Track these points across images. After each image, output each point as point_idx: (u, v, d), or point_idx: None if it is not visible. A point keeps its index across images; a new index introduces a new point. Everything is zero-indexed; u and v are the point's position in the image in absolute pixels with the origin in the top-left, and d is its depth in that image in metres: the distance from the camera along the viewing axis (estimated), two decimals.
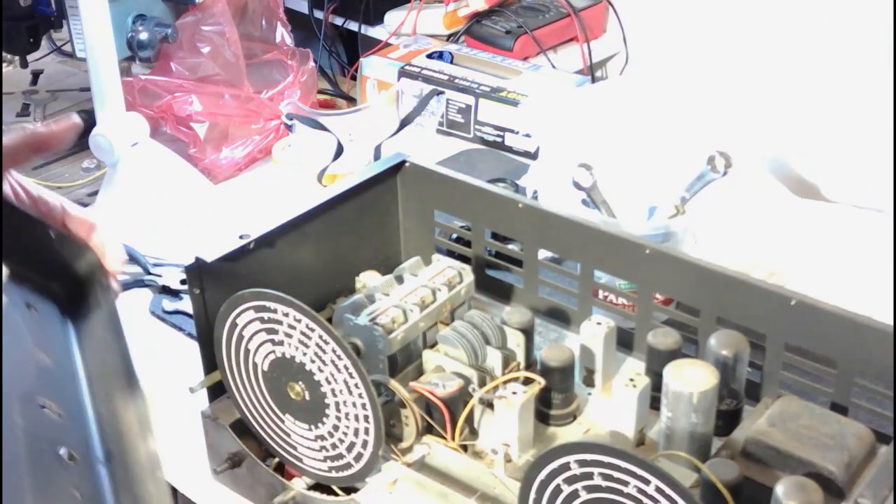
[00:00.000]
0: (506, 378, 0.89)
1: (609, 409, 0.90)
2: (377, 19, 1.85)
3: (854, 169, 1.60)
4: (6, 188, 0.61)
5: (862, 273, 1.10)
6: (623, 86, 1.42)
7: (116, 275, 0.63)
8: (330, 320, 0.96)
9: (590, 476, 0.73)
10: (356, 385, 0.83)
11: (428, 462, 0.88)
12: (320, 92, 1.73)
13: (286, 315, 0.85)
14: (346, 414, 0.85)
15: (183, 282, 1.22)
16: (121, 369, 0.60)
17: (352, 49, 1.95)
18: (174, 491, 1.06)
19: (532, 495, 0.76)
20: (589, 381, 0.97)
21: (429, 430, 0.88)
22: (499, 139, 1.54)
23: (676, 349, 0.92)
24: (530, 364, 0.95)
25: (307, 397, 0.87)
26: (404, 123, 1.48)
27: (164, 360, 1.13)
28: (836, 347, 0.87)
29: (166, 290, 1.23)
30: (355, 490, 0.88)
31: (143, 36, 1.46)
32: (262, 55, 1.67)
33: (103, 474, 0.57)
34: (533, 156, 1.38)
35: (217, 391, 0.95)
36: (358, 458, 0.86)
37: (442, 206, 1.11)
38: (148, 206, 1.35)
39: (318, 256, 1.04)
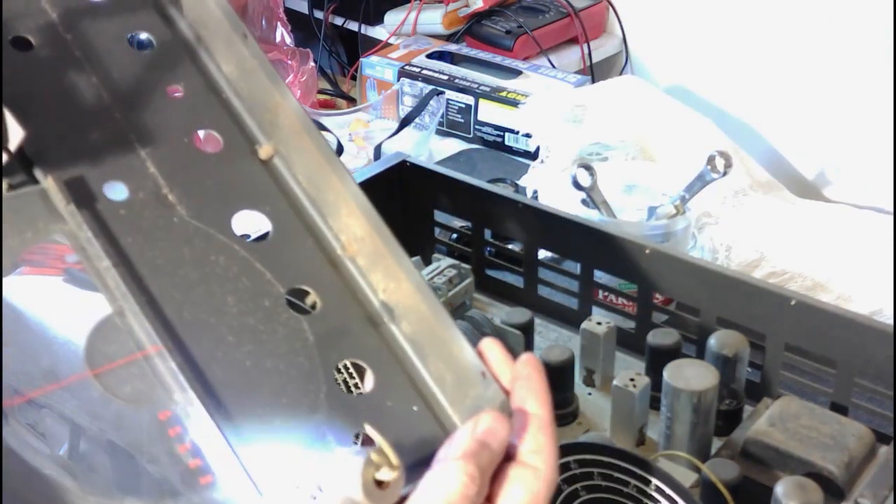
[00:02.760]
0: None
1: (609, 409, 0.90)
2: (377, 19, 1.85)
3: (854, 169, 1.60)
4: None
5: (862, 273, 1.10)
6: (623, 86, 1.41)
7: None
8: None
9: (590, 476, 0.73)
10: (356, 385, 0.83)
11: None
12: (320, 92, 1.73)
13: None
14: None
15: None
16: None
17: (352, 49, 1.95)
18: None
19: None
20: (589, 381, 0.97)
21: None
22: (499, 139, 1.54)
23: (676, 349, 0.92)
24: None
25: None
26: (404, 123, 1.48)
27: None
28: (836, 347, 0.87)
29: None
30: None
31: (144, 36, 1.45)
32: None
33: None
34: (533, 156, 1.38)
35: None
36: None
37: (442, 206, 1.11)
38: None
39: None
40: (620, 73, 1.88)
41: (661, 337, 0.93)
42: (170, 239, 0.46)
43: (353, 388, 0.48)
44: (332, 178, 0.50)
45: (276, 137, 0.51)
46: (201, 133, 0.51)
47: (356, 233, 0.50)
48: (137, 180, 0.47)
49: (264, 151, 0.50)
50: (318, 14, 1.90)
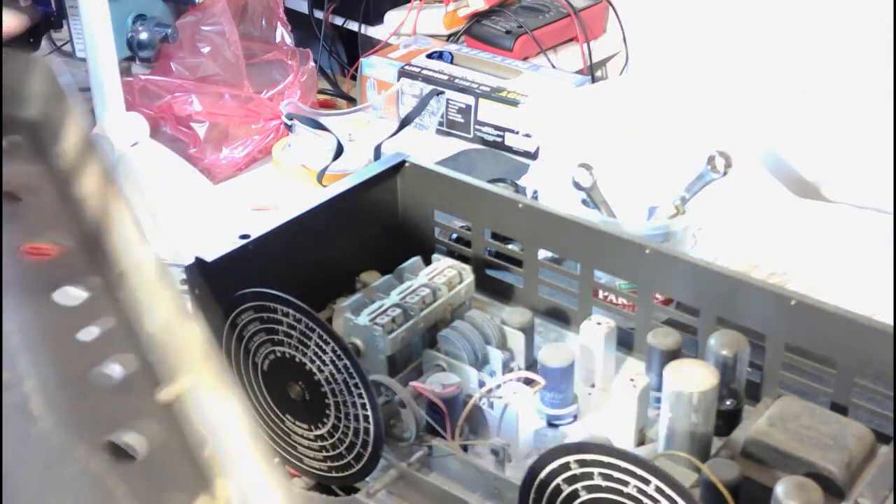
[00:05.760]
0: (506, 378, 0.89)
1: (609, 409, 0.90)
2: (377, 19, 1.85)
3: (854, 169, 1.60)
4: None
5: (862, 273, 1.10)
6: (623, 86, 1.42)
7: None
8: (330, 320, 0.96)
9: (590, 476, 0.73)
10: (356, 385, 0.83)
11: (428, 462, 0.88)
12: (320, 92, 1.73)
13: (286, 315, 0.85)
14: (346, 414, 0.85)
15: (182, 282, 1.22)
16: None
17: (352, 49, 1.95)
18: None
19: (532, 495, 0.76)
20: (589, 381, 0.97)
21: (429, 429, 0.88)
22: (499, 139, 1.54)
23: (676, 349, 0.92)
24: (530, 364, 0.95)
25: (307, 397, 0.87)
26: (404, 123, 1.48)
27: None
28: (836, 347, 0.87)
29: None
30: (355, 490, 0.88)
31: (143, 36, 1.45)
32: (262, 55, 1.66)
33: None
34: (533, 156, 1.38)
35: None
36: (358, 458, 0.86)
37: (442, 206, 1.11)
38: (148, 206, 1.35)
39: (318, 256, 1.04)
40: (620, 73, 1.88)
41: (661, 337, 0.93)
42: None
43: None
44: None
45: (183, 378, 0.51)
46: (105, 365, 0.51)
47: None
48: (8, 391, 0.48)
49: (165, 394, 0.50)
50: (318, 14, 1.89)
